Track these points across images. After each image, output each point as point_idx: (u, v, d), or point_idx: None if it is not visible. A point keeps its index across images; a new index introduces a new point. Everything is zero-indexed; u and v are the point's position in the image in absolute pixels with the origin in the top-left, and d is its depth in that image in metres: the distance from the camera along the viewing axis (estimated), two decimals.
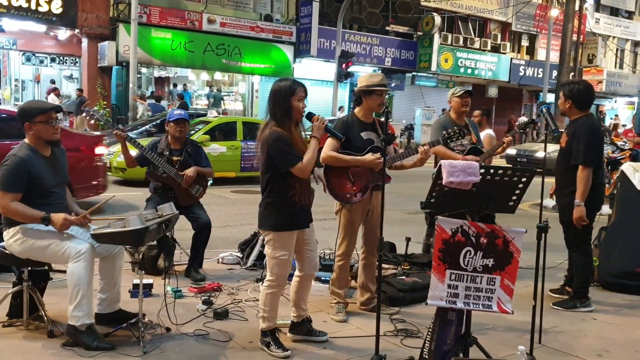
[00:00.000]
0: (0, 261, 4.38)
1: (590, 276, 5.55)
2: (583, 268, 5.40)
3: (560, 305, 5.41)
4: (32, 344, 4.08)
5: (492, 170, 3.71)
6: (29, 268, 4.28)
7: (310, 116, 4.09)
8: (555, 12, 28.75)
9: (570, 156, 5.20)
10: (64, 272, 4.17)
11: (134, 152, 5.81)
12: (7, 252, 4.22)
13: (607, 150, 14.08)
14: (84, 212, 4.33)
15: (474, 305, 3.73)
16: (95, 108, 5.88)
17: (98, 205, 4.43)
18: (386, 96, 4.98)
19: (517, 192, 3.81)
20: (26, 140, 4.24)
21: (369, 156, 4.70)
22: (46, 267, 4.52)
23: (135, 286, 4.95)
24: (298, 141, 4.03)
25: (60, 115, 4.52)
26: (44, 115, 4.17)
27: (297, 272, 4.34)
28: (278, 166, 3.96)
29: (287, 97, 3.98)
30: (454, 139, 4.82)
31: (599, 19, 35.25)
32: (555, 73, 27.10)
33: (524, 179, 3.76)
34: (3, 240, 4.26)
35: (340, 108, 23.37)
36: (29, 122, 4.17)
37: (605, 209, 7.24)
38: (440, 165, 3.69)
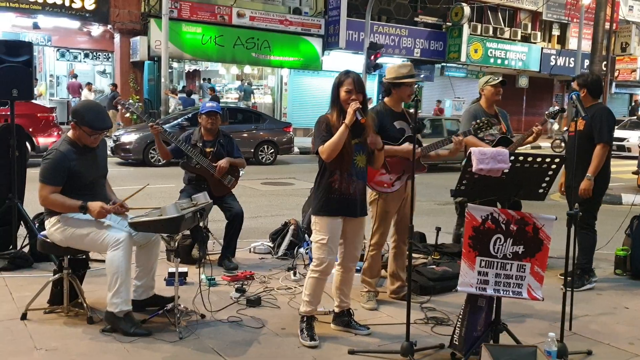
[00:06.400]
0: (42, 249, 4.52)
1: (594, 252, 5.69)
2: (590, 244, 5.61)
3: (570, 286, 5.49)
4: (72, 329, 4.22)
5: (521, 157, 3.72)
6: (69, 256, 4.42)
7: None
8: (587, 0, 28.27)
9: (591, 138, 5.43)
10: (102, 261, 4.29)
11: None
12: (48, 240, 4.37)
13: None
14: (120, 200, 4.45)
15: (504, 292, 3.76)
16: (130, 101, 5.98)
17: (133, 193, 4.54)
18: (415, 86, 5.00)
19: (547, 179, 3.82)
20: (69, 134, 4.38)
21: (405, 145, 4.74)
22: (84, 256, 4.67)
23: (171, 275, 5.08)
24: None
25: None
26: (90, 130, 4.29)
27: (336, 263, 4.38)
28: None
29: (336, 87, 4.15)
30: (483, 129, 4.86)
31: (632, 7, 34.49)
32: (587, 62, 26.61)
33: (553, 166, 3.76)
34: (45, 230, 4.41)
35: (369, 99, 23.30)
36: (75, 123, 4.30)
37: (638, 198, 7.16)
38: (470, 153, 3.72)
